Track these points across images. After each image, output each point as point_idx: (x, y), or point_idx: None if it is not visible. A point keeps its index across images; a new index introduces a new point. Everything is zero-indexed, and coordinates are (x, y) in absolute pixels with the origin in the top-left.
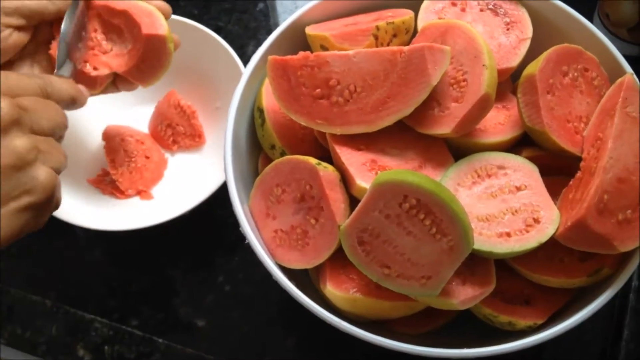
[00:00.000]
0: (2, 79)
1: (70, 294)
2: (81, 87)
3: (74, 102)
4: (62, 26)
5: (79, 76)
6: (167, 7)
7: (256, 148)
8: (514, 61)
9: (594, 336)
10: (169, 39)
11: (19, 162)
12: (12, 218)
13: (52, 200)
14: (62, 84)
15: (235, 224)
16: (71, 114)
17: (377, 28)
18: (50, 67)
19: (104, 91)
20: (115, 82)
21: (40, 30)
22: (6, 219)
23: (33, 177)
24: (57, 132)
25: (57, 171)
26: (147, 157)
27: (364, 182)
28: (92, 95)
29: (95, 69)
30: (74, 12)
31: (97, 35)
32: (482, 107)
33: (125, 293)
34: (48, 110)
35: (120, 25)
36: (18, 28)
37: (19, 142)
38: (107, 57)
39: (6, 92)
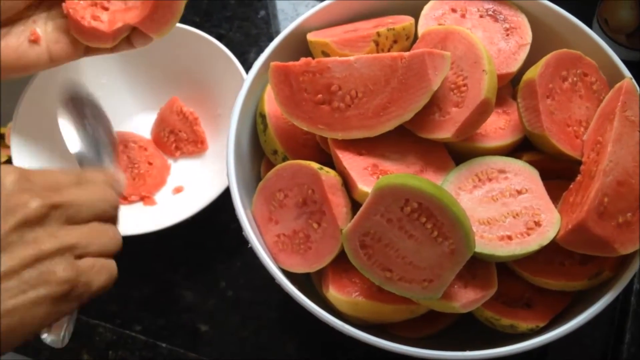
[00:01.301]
0: (40, 176)
1: None
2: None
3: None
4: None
5: (89, 32)
6: None
7: (258, 153)
8: (514, 66)
9: (595, 339)
10: None
11: (39, 256)
12: (28, 308)
13: (72, 290)
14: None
15: (238, 229)
16: None
17: (378, 34)
18: (65, 23)
19: (117, 49)
20: (130, 38)
21: None
22: (22, 309)
23: (50, 270)
24: (102, 216)
25: (103, 254)
26: (150, 163)
27: (365, 186)
28: (105, 47)
29: (112, 23)
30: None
31: None
32: (482, 112)
33: (128, 298)
34: (87, 198)
35: None
36: None
37: (40, 238)
38: (120, 10)
39: (46, 188)
